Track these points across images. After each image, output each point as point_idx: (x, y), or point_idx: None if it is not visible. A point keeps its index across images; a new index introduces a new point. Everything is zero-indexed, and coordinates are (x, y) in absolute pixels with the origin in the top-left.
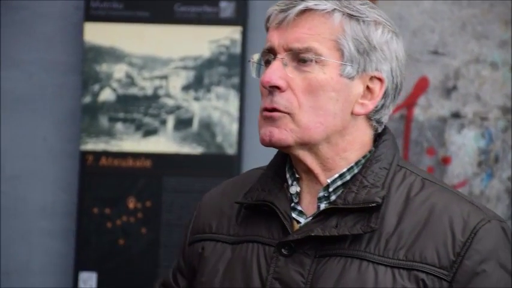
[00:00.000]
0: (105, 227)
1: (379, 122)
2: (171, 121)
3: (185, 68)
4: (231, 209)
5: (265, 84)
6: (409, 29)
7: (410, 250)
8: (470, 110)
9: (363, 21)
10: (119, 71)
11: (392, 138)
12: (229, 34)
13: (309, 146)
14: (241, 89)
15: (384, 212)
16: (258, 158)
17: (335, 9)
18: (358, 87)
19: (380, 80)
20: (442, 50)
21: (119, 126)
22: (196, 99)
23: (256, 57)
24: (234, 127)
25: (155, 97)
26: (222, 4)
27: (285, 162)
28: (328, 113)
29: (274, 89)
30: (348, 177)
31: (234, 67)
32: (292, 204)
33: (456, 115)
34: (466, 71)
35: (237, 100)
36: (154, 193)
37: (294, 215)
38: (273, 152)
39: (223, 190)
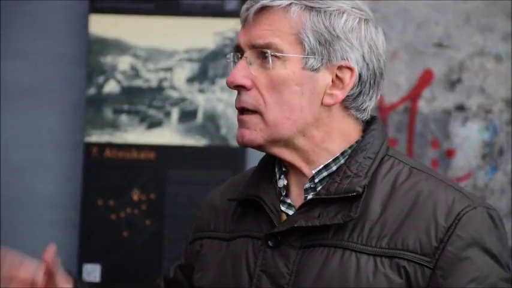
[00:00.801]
0: (109, 218)
1: (359, 109)
2: (175, 113)
3: (190, 60)
4: (229, 206)
5: (229, 84)
6: (414, 21)
7: (392, 238)
8: (475, 102)
9: (324, 11)
10: (124, 62)
11: (381, 127)
12: (234, 26)
13: (282, 142)
14: None
15: (368, 201)
16: None
17: (292, 3)
18: (324, 78)
19: (349, 68)
20: (447, 42)
21: (124, 118)
22: (201, 91)
23: (231, 55)
24: None
25: (160, 89)
26: None
27: (275, 157)
28: (294, 108)
29: (240, 88)
30: (334, 167)
31: None
32: (282, 198)
33: (460, 108)
34: (470, 64)
35: None
36: (159, 185)
37: (283, 208)
38: None
39: (224, 188)
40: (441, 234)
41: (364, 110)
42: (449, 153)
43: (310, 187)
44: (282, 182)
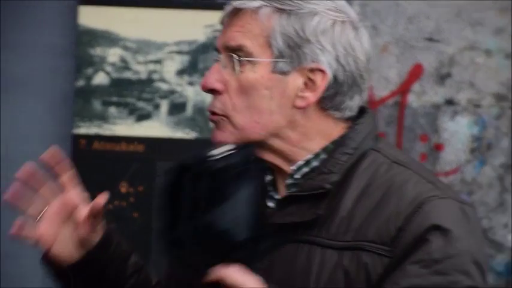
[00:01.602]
0: None
1: (338, 109)
2: (164, 106)
3: (180, 52)
4: None
5: (202, 88)
6: (405, 15)
7: (357, 232)
8: (464, 97)
9: (295, 13)
10: (113, 54)
11: (369, 121)
12: None
13: (255, 144)
14: None
15: (342, 196)
16: None
17: (262, 5)
18: (295, 81)
19: (321, 71)
20: (437, 36)
21: (112, 110)
22: (191, 83)
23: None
24: None
25: (149, 81)
26: None
27: None
28: (263, 111)
29: (212, 92)
30: (316, 163)
31: None
32: (271, 193)
33: (450, 102)
34: (460, 58)
35: None
36: (147, 178)
37: (270, 203)
38: None
39: None
40: (400, 223)
41: (344, 109)
42: (438, 148)
43: (292, 183)
44: (267, 178)
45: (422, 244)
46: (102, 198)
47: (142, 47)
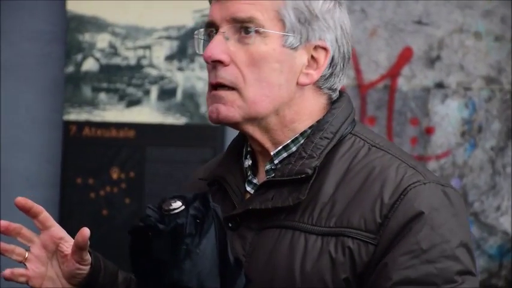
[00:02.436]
0: (89, 197)
1: (331, 89)
2: (154, 91)
3: (169, 38)
4: (204, 187)
5: (206, 59)
6: None
7: (340, 217)
8: (454, 80)
9: None
10: (102, 40)
11: (345, 105)
12: None
13: (257, 120)
14: None
15: (322, 181)
16: None
17: None
18: (302, 57)
19: (324, 49)
20: (426, 19)
21: (102, 96)
22: (180, 69)
23: (201, 31)
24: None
25: (138, 67)
26: None
27: (244, 137)
28: (273, 85)
29: (217, 63)
30: (294, 148)
31: None
32: (250, 178)
33: (440, 85)
34: (449, 41)
35: None
36: (138, 163)
37: (248, 188)
38: None
39: (202, 169)
40: (385, 211)
41: (335, 89)
42: (429, 131)
43: (271, 168)
44: (247, 162)
45: (408, 232)
46: (86, 231)
47: (131, 32)
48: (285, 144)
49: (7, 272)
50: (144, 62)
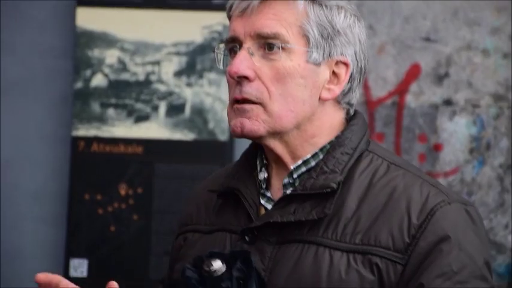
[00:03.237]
0: (96, 213)
1: (349, 104)
2: (163, 107)
3: (177, 53)
4: (211, 199)
5: (233, 74)
6: (401, 15)
7: (366, 234)
8: (462, 97)
9: (326, 5)
10: (111, 56)
11: (362, 122)
12: (221, 20)
13: (280, 134)
14: None
15: (344, 197)
16: None
17: None
18: (324, 72)
19: (345, 64)
20: (434, 36)
21: (111, 112)
22: (189, 85)
23: (222, 47)
24: (226, 113)
25: (147, 83)
26: None
27: (257, 149)
28: (298, 100)
29: (242, 79)
30: (313, 163)
31: None
32: (262, 191)
33: (448, 102)
34: (458, 58)
35: None
36: (146, 179)
37: (262, 201)
38: None
39: (207, 182)
40: (414, 231)
41: (352, 105)
42: (437, 148)
43: (289, 182)
44: (262, 175)
45: (439, 254)
46: (114, 284)
47: (140, 48)
48: (305, 159)
49: None
50: (153, 77)
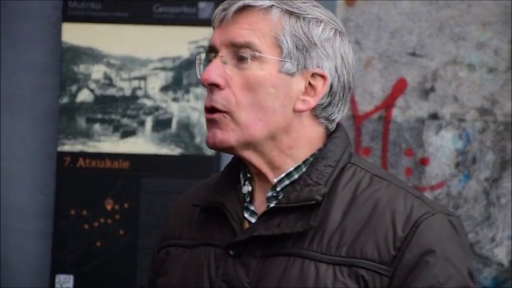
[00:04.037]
0: (83, 228)
1: (328, 119)
2: (149, 122)
3: (164, 68)
4: (193, 213)
5: (203, 81)
6: (387, 30)
7: (351, 246)
8: (448, 111)
9: (303, 18)
10: (97, 71)
11: (344, 135)
12: (208, 35)
13: (252, 145)
14: None
15: (328, 209)
16: None
17: (273, 5)
18: (299, 83)
19: (323, 77)
20: (420, 51)
21: (97, 127)
22: (175, 100)
23: (202, 56)
24: None
25: (133, 98)
26: (201, 5)
27: (240, 163)
28: (267, 109)
29: (213, 87)
30: (296, 176)
31: None
32: (246, 204)
33: (434, 116)
34: (443, 73)
35: None
36: (133, 195)
37: (246, 215)
38: None
39: (189, 195)
40: (399, 243)
41: (333, 120)
42: (423, 162)
43: (273, 195)
44: (246, 189)
45: (426, 266)
46: None
47: (126, 63)
48: (288, 172)
49: None
50: (139, 92)
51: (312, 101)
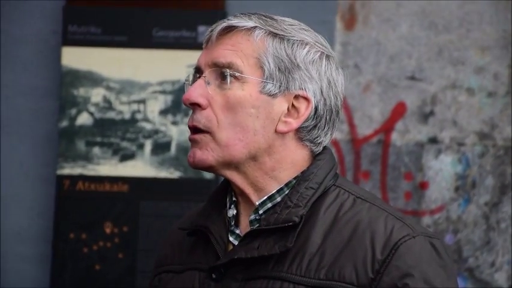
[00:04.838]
0: (82, 252)
1: (313, 142)
2: (148, 145)
3: (163, 92)
4: (183, 238)
5: (184, 101)
6: (386, 54)
7: (330, 269)
8: (447, 135)
9: (288, 39)
10: (97, 95)
11: (329, 157)
12: None
13: (234, 165)
14: None
15: (310, 231)
16: None
17: (256, 26)
18: (281, 104)
19: (306, 99)
20: (419, 75)
21: (96, 150)
22: (174, 123)
23: (191, 78)
24: None
25: (133, 121)
26: (200, 29)
27: (227, 187)
28: (248, 129)
29: (195, 106)
30: (279, 198)
31: None
32: (232, 228)
33: (433, 140)
34: (442, 97)
35: None
36: (132, 218)
37: (231, 238)
38: None
39: (182, 221)
40: (377, 266)
41: (318, 143)
42: (423, 186)
43: (256, 218)
44: (231, 212)
45: None
46: None
47: (126, 87)
48: (270, 194)
49: None
50: (139, 116)
51: (295, 123)
